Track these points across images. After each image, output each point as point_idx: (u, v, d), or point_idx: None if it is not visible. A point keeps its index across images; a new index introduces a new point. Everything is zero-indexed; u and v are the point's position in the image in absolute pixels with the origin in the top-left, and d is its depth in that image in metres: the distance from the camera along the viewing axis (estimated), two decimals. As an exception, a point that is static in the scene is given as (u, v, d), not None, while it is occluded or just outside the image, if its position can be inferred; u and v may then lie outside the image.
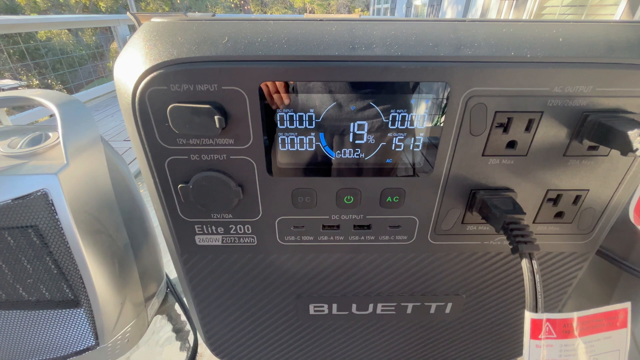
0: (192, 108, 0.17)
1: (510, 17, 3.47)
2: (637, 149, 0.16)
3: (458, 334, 0.29)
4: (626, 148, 0.17)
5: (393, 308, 0.28)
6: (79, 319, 0.33)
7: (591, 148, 0.19)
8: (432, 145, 0.20)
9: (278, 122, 0.19)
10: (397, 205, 0.22)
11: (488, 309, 0.28)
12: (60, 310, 0.32)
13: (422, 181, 0.21)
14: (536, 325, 0.17)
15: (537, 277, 0.17)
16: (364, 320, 0.28)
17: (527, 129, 0.19)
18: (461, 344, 0.30)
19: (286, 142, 0.20)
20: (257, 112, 0.18)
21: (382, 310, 0.28)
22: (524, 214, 0.20)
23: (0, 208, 0.25)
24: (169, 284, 0.45)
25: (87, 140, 0.29)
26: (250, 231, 0.23)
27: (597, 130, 0.18)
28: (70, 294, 0.32)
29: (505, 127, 0.19)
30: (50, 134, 0.31)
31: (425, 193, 0.21)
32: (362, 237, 0.23)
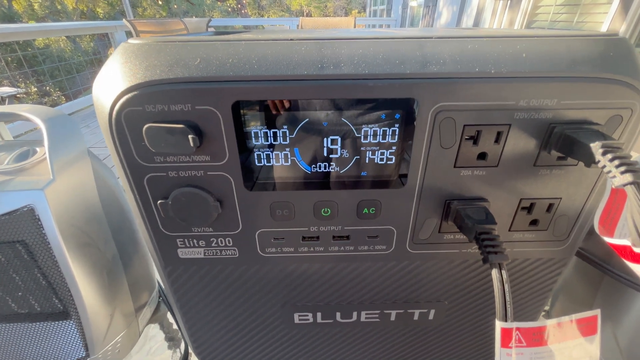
0: (167, 128, 0.18)
1: (505, 17, 3.49)
2: (599, 161, 0.17)
3: (442, 340, 0.30)
4: (589, 160, 0.17)
5: (377, 315, 0.28)
6: (69, 330, 0.33)
7: (560, 158, 0.20)
8: (404, 158, 0.20)
9: (253, 138, 0.19)
10: (373, 216, 0.22)
11: (470, 314, 0.28)
12: (50, 323, 0.32)
13: (396, 193, 0.21)
14: (506, 334, 0.18)
15: (506, 286, 0.18)
16: (348, 327, 0.29)
17: (497, 140, 0.19)
18: (445, 349, 0.30)
19: (262, 157, 0.20)
20: (231, 130, 0.19)
21: (366, 318, 0.28)
22: (495, 223, 0.20)
23: (-13, 224, 0.26)
24: (161, 292, 0.45)
25: (73, 154, 0.30)
26: (231, 244, 0.23)
27: (563, 142, 0.19)
28: (60, 306, 0.32)
29: (475, 140, 0.19)
30: (38, 149, 0.31)
31: (401, 204, 0.22)
32: (342, 248, 0.24)
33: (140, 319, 0.39)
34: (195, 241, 0.23)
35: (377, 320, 0.28)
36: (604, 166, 0.16)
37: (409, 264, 0.25)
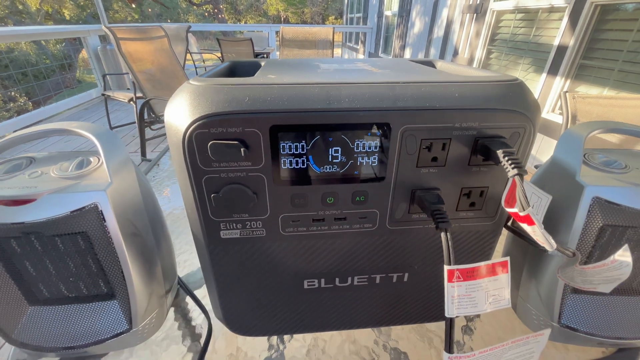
0: (226, 144, 0.26)
1: (472, 29, 3.74)
2: (501, 161, 0.27)
3: (415, 296, 0.40)
4: (497, 160, 0.27)
5: (366, 280, 0.37)
6: (114, 309, 0.40)
7: (484, 160, 0.30)
8: (383, 162, 0.30)
9: (281, 150, 0.28)
10: (363, 202, 0.31)
11: (434, 275, 0.38)
12: (98, 303, 0.39)
13: (378, 186, 0.31)
14: (450, 273, 0.27)
15: (450, 243, 0.28)
16: (345, 290, 0.38)
17: (443, 149, 0.29)
18: (417, 303, 0.40)
19: (286, 163, 0.29)
20: (267, 144, 0.27)
21: (358, 282, 0.37)
22: (443, 204, 0.30)
23: (61, 219, 0.33)
24: (180, 281, 0.52)
25: (121, 161, 0.37)
26: (260, 226, 0.32)
27: (483, 149, 0.29)
28: (109, 288, 0.39)
29: (429, 148, 0.29)
30: (91, 158, 0.38)
31: (382, 194, 0.31)
32: (340, 227, 0.33)
33: (167, 300, 0.46)
34: (234, 224, 0.31)
35: (366, 283, 0.38)
36: (504, 164, 0.27)
37: (388, 238, 0.34)
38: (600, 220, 0.35)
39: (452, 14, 4.15)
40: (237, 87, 0.27)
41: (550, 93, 2.65)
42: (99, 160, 0.38)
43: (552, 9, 2.65)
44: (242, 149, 0.26)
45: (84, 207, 0.33)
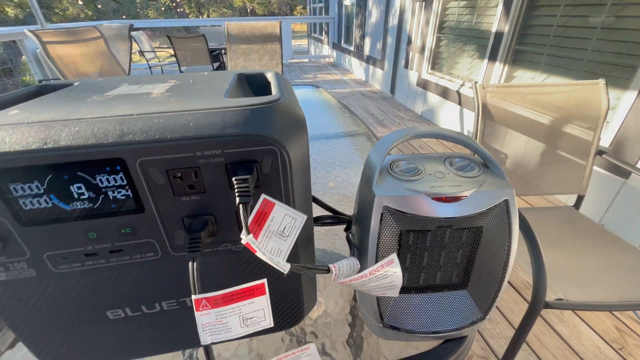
0: None
1: (422, 16, 3.79)
2: (234, 190, 0.27)
3: (234, 314, 0.40)
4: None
5: (175, 303, 0.37)
6: None
7: (245, 183, 0.30)
8: (136, 194, 0.29)
9: (13, 192, 0.27)
10: (132, 234, 0.31)
11: (247, 293, 0.39)
12: None
13: (142, 217, 0.30)
14: (197, 302, 0.28)
15: (196, 272, 0.28)
16: (157, 315, 0.38)
17: (196, 177, 0.29)
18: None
19: (27, 203, 0.28)
20: (-11, 189, 0.26)
21: (168, 307, 0.37)
22: (204, 230, 0.30)
23: None
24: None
25: None
26: (26, 267, 0.31)
27: (233, 176, 0.29)
28: None
29: (180, 178, 0.29)
30: None
31: (149, 224, 0.31)
32: (120, 258, 0.32)
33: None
34: (-7, 268, 0.30)
35: (177, 307, 0.38)
36: (235, 192, 0.27)
37: (177, 263, 0.34)
38: (395, 226, 0.37)
39: (404, 3, 4.18)
40: (-46, 131, 0.25)
41: (491, 78, 2.75)
42: None
43: (489, -4, 2.73)
44: (-50, 198, 0.25)
45: None
